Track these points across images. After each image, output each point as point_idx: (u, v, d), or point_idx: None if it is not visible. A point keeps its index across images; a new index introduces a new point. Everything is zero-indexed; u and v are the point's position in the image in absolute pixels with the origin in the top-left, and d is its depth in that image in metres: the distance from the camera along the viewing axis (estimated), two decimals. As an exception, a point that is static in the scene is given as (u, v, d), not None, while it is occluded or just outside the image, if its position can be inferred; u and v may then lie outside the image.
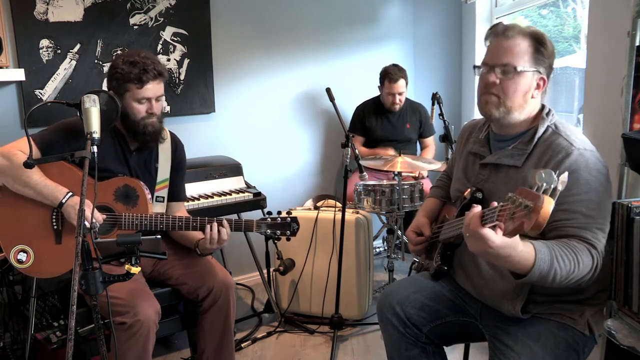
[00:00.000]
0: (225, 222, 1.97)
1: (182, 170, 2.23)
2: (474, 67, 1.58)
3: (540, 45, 1.47)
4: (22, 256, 1.92)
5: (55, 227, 1.94)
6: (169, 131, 2.18)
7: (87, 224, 1.84)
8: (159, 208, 2.12)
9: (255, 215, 2.94)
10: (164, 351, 2.64)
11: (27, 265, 1.93)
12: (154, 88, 1.96)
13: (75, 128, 1.96)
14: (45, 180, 1.87)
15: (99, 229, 1.91)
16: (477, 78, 1.60)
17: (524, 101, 1.50)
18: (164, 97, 2.04)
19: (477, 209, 1.24)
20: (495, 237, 1.19)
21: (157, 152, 2.12)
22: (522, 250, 1.25)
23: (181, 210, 2.23)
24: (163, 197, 2.13)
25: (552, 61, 1.51)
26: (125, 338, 1.77)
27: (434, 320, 1.65)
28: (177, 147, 2.18)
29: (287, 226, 2.01)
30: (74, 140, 1.94)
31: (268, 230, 2.01)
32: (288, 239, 2.04)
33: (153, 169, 2.11)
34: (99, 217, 1.89)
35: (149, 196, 2.02)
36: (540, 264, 1.27)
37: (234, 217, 3.14)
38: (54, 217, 1.93)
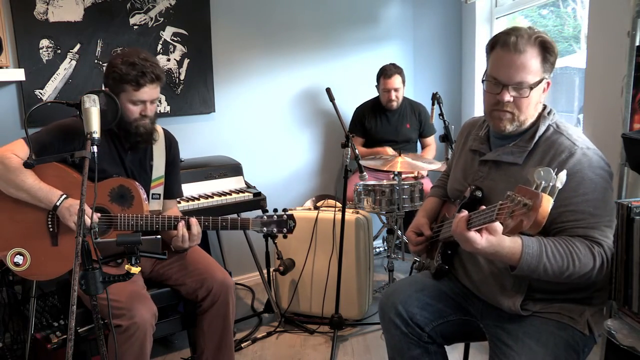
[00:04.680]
0: (193, 220, 1.95)
1: (177, 166, 2.23)
2: (483, 80, 1.53)
3: (547, 53, 1.46)
4: (19, 259, 1.92)
5: (51, 229, 1.93)
6: (163, 129, 2.18)
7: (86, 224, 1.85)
8: (155, 205, 2.12)
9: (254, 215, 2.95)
10: (164, 351, 2.64)
11: (24, 268, 1.93)
12: (150, 91, 1.95)
13: (70, 128, 1.96)
14: (39, 183, 1.87)
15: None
16: (477, 77, 1.59)
17: (535, 110, 1.51)
18: (158, 100, 2.04)
19: (464, 213, 1.34)
20: (479, 239, 1.29)
21: (152, 149, 2.12)
22: (509, 246, 1.33)
23: (173, 206, 2.24)
24: (159, 194, 2.13)
25: (555, 63, 1.51)
26: (122, 340, 1.77)
27: (437, 319, 1.66)
28: (171, 144, 2.18)
29: (284, 223, 2.00)
30: (69, 140, 1.93)
31: (264, 228, 2.00)
32: (285, 237, 2.04)
33: (148, 167, 2.11)
34: (94, 217, 1.89)
35: (144, 196, 2.01)
36: (527, 258, 1.33)
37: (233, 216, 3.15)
38: (49, 219, 1.93)
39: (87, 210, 1.84)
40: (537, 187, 1.10)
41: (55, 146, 1.91)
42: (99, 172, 1.93)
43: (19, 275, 1.95)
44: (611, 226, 1.42)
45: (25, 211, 1.91)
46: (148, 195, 2.09)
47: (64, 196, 1.87)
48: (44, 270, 1.94)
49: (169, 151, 2.16)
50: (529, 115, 1.50)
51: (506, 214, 1.17)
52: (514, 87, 1.45)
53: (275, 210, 2.03)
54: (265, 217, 2.00)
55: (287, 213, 2.02)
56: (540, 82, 1.46)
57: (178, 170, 2.24)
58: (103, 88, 1.99)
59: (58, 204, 1.85)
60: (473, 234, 1.29)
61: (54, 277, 1.96)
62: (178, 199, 2.35)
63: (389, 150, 3.34)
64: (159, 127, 2.15)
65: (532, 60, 1.44)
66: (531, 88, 1.45)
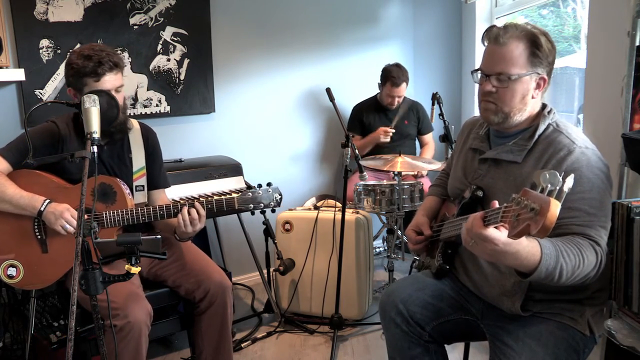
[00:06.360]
0: (197, 204, 1.93)
1: (158, 157, 2.21)
2: (472, 72, 1.57)
3: (535, 47, 1.46)
4: (12, 271, 1.91)
5: (39, 236, 1.93)
6: (138, 122, 2.17)
7: (72, 230, 1.84)
8: (140, 197, 2.11)
9: (255, 215, 2.95)
10: (164, 351, 2.64)
11: (19, 280, 1.92)
12: (112, 79, 1.92)
13: (49, 132, 1.96)
14: (20, 192, 1.86)
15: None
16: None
17: (523, 104, 1.50)
18: (124, 87, 2.00)
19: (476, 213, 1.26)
20: (500, 235, 1.18)
21: (129, 142, 2.10)
22: (528, 245, 1.24)
23: (162, 197, 2.23)
24: (143, 186, 2.12)
25: (551, 59, 1.50)
26: (117, 340, 1.76)
27: (437, 318, 1.66)
28: (148, 136, 2.17)
29: (270, 197, 1.97)
30: (50, 145, 1.94)
31: (251, 205, 1.96)
32: (273, 211, 2.02)
33: (127, 160, 2.09)
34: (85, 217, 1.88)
35: (127, 191, 2.00)
36: (547, 259, 1.26)
37: (233, 215, 3.14)
38: (35, 226, 1.93)
39: (73, 213, 1.85)
40: (542, 191, 1.06)
41: (39, 151, 1.90)
42: (78, 173, 1.92)
43: (15, 287, 1.94)
44: (606, 227, 1.40)
45: (11, 222, 1.90)
46: (132, 189, 2.08)
47: (48, 201, 1.86)
48: (39, 278, 1.94)
49: (147, 142, 2.15)
50: (513, 107, 1.49)
51: (511, 217, 1.13)
52: (496, 77, 1.48)
53: (260, 185, 2.00)
54: (249, 193, 1.96)
55: (272, 187, 1.98)
56: (525, 75, 1.46)
57: (160, 161, 2.23)
58: (67, 89, 1.97)
59: (42, 209, 1.84)
60: (493, 231, 1.18)
61: (50, 283, 1.96)
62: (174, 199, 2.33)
63: (382, 133, 3.31)
64: (134, 121, 2.14)
65: (514, 52, 1.46)
66: (510, 79, 1.46)
